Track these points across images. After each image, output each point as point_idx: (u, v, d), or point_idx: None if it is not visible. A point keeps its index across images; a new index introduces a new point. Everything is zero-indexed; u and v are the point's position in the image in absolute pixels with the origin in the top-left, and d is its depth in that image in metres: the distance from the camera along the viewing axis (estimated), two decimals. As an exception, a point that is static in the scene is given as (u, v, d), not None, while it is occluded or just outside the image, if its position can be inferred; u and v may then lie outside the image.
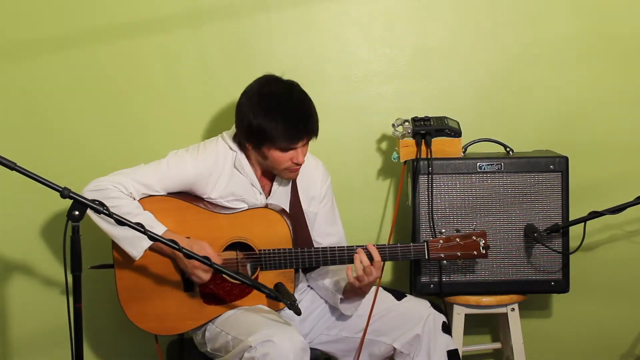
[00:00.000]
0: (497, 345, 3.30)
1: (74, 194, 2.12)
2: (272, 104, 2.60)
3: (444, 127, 3.03)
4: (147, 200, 2.65)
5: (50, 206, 3.15)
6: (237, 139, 2.72)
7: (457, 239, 2.67)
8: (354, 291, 2.68)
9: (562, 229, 2.96)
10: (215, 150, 2.73)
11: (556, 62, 3.28)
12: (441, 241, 2.67)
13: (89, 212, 2.16)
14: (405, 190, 3.11)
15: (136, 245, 2.58)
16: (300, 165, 2.67)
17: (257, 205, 2.73)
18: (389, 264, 3.34)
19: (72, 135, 3.21)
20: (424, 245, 2.67)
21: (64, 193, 2.11)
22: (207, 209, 2.68)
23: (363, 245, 2.64)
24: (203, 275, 2.61)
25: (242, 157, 2.72)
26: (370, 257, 2.61)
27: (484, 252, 2.69)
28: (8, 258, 3.22)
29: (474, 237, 2.68)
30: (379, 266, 2.62)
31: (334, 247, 2.67)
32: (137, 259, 2.60)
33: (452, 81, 3.28)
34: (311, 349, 2.58)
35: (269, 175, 2.77)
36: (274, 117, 2.57)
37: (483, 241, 2.68)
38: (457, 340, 2.96)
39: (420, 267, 3.00)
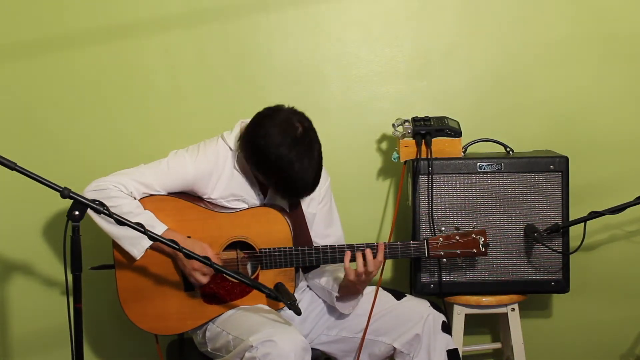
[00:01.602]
0: (497, 345, 3.30)
1: (74, 194, 2.12)
2: (282, 172, 2.55)
3: (444, 127, 3.03)
4: (147, 200, 2.65)
5: (50, 206, 3.15)
6: (238, 141, 2.72)
7: (457, 237, 2.67)
8: (349, 288, 2.68)
9: (562, 229, 2.96)
10: (215, 150, 2.73)
11: (556, 62, 3.28)
12: (441, 239, 2.67)
13: (90, 211, 2.16)
14: (405, 190, 3.11)
15: (137, 245, 2.58)
16: None
17: (257, 205, 2.73)
18: (389, 264, 3.34)
19: (72, 135, 3.21)
20: (423, 243, 2.67)
21: (64, 193, 2.11)
22: (207, 209, 2.68)
23: (362, 245, 2.64)
24: (201, 278, 2.61)
25: (242, 157, 2.72)
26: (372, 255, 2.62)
27: (484, 249, 2.69)
28: (8, 258, 3.22)
29: (473, 235, 2.68)
30: (377, 265, 2.62)
31: (334, 245, 2.67)
32: (137, 258, 2.60)
33: (452, 81, 3.28)
34: (311, 349, 2.58)
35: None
36: (281, 181, 2.57)
37: (483, 239, 2.69)
38: (457, 340, 2.96)
39: (420, 266, 3.00)
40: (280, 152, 2.52)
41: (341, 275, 2.69)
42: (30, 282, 3.23)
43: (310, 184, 2.60)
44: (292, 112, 2.61)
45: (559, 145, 3.20)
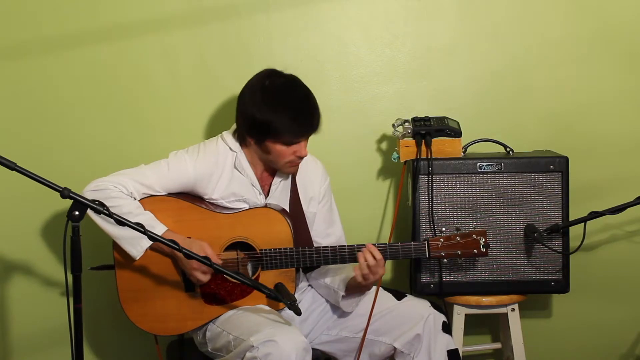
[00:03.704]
0: (497, 345, 3.30)
1: (74, 194, 2.12)
2: (277, 100, 2.60)
3: (444, 127, 3.03)
4: (147, 201, 2.65)
5: (50, 206, 3.14)
6: (237, 137, 2.72)
7: (458, 238, 2.67)
8: (357, 288, 2.69)
9: (562, 229, 2.96)
10: (215, 150, 2.73)
11: (556, 62, 3.28)
12: (441, 240, 2.67)
13: (89, 212, 2.16)
14: (405, 191, 3.11)
15: (136, 245, 2.58)
16: (302, 158, 2.68)
17: (257, 205, 2.73)
18: (389, 264, 3.34)
19: (72, 135, 3.21)
20: (424, 244, 2.67)
21: (64, 193, 2.10)
22: (208, 209, 2.68)
23: (363, 245, 2.64)
24: (201, 276, 2.60)
25: (242, 157, 2.72)
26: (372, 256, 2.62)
27: (484, 250, 2.69)
28: (8, 258, 3.22)
29: (474, 236, 2.68)
30: (382, 264, 2.62)
31: (335, 246, 2.67)
32: (137, 258, 2.60)
33: (452, 81, 3.28)
34: (312, 349, 2.58)
35: (269, 171, 2.76)
36: (279, 112, 2.58)
37: (483, 239, 2.69)
38: (457, 341, 2.96)
39: (420, 267, 3.00)
40: (273, 84, 2.63)
41: (348, 275, 2.70)
42: (30, 283, 3.23)
43: (317, 106, 2.65)
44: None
45: (559, 145, 3.20)
